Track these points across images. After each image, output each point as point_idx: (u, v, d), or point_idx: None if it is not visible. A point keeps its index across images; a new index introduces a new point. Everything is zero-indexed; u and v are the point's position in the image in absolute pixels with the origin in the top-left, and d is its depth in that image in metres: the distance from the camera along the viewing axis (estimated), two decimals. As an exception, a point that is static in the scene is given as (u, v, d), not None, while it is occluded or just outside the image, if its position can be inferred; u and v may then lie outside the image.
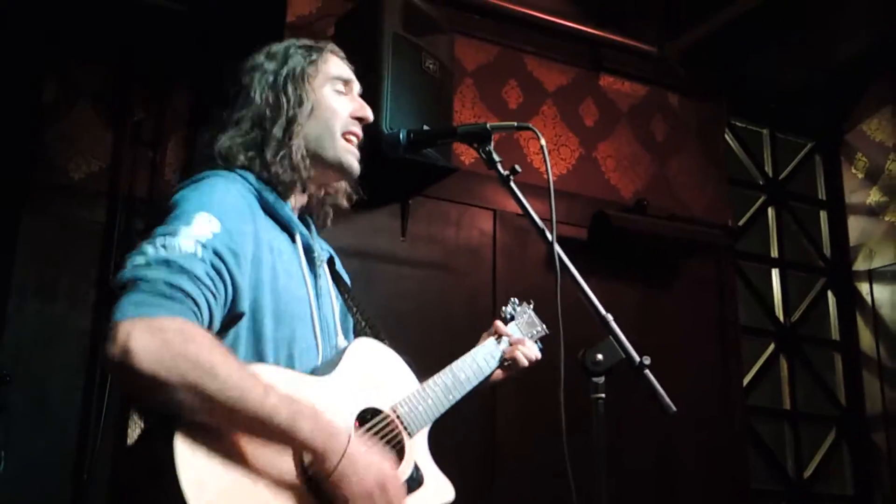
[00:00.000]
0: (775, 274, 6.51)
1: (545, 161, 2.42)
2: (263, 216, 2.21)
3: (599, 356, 2.17)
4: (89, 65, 4.81)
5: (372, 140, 2.64)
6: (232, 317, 2.04)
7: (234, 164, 2.25)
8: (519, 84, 5.40)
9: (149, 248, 1.91)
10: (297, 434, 1.89)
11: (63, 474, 4.23)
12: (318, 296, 2.30)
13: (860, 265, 6.47)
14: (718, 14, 5.48)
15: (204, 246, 1.95)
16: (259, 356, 2.08)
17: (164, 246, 1.91)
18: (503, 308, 2.88)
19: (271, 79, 2.35)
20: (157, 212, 2.13)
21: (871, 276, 6.37)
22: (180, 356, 1.77)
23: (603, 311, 2.24)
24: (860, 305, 6.43)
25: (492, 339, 2.73)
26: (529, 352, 2.73)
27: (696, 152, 5.93)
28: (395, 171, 4.40)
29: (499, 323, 2.79)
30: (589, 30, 5.61)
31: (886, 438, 6.07)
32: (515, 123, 2.52)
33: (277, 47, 2.43)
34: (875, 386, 6.23)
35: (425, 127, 2.59)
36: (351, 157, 2.41)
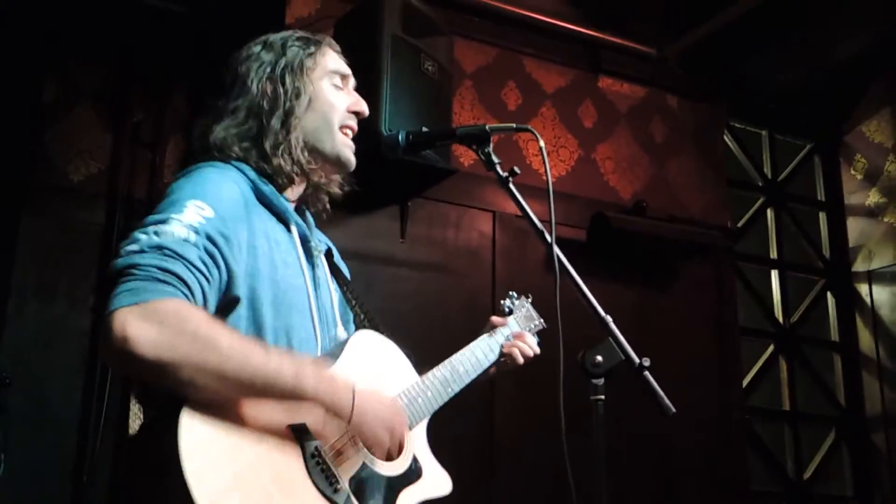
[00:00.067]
0: (774, 275, 6.52)
1: (544, 162, 2.42)
2: (259, 206, 2.21)
3: (599, 358, 2.17)
4: (89, 66, 4.81)
5: (371, 142, 2.65)
6: (227, 302, 2.05)
7: (229, 155, 2.24)
8: (518, 86, 5.41)
9: (141, 236, 1.91)
10: (304, 392, 1.94)
11: (63, 475, 4.23)
12: (315, 286, 2.30)
13: (859, 266, 6.47)
14: (717, 16, 5.48)
15: (196, 231, 1.95)
16: None
17: (156, 233, 1.92)
18: (502, 302, 2.90)
19: (269, 69, 2.34)
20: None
21: (871, 277, 6.37)
22: (178, 335, 1.79)
23: (602, 313, 2.24)
24: (859, 306, 6.43)
25: (490, 334, 2.74)
26: (527, 348, 2.75)
27: (695, 154, 5.93)
28: (395, 172, 4.40)
29: (497, 317, 2.82)
30: (588, 31, 5.61)
31: (886, 439, 6.08)
32: (514, 125, 2.53)
33: (274, 38, 2.43)
34: (874, 387, 6.23)
35: (424, 129, 2.59)
36: (348, 150, 2.42)
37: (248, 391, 1.89)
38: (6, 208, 4.50)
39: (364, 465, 2.12)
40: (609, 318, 2.23)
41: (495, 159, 2.40)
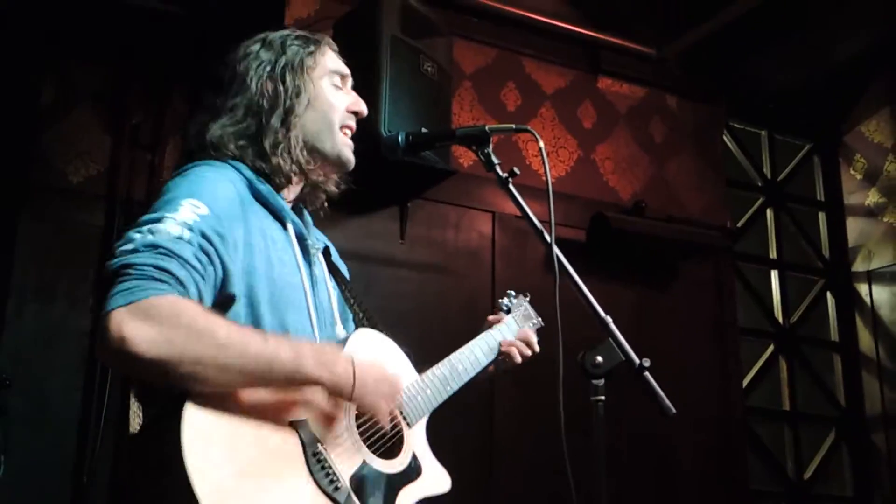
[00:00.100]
0: (774, 275, 6.52)
1: (544, 163, 2.42)
2: (255, 204, 2.21)
3: (599, 358, 2.17)
4: (88, 67, 4.81)
5: (370, 143, 2.65)
6: (223, 300, 2.04)
7: (225, 153, 2.23)
8: (517, 86, 5.41)
9: (135, 235, 1.91)
10: (305, 374, 1.95)
11: (63, 476, 4.23)
12: (313, 284, 2.30)
13: (859, 266, 6.47)
14: (716, 16, 5.48)
15: (191, 228, 1.95)
16: None
17: (150, 231, 1.91)
18: (500, 300, 2.91)
19: (269, 68, 2.33)
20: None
21: (870, 277, 6.37)
22: (174, 330, 1.79)
23: (602, 314, 2.24)
24: (859, 306, 6.43)
25: (489, 332, 2.75)
26: (525, 347, 2.77)
27: (695, 154, 5.94)
28: (394, 173, 4.41)
29: (494, 317, 2.83)
30: (587, 32, 5.61)
31: (886, 439, 6.08)
32: (514, 126, 2.53)
33: (273, 36, 2.42)
34: (874, 387, 6.23)
35: (424, 130, 2.59)
36: (348, 150, 2.42)
37: (250, 378, 1.89)
38: (5, 209, 4.50)
39: (364, 463, 2.13)
40: (609, 319, 2.24)
41: (495, 160, 2.40)
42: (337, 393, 2.03)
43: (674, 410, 2.15)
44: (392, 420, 2.26)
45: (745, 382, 5.91)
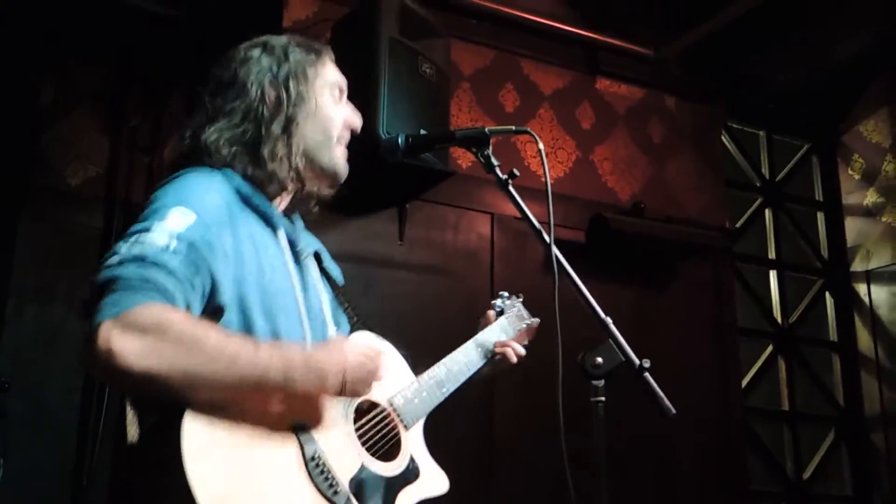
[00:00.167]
0: (773, 275, 6.52)
1: (543, 165, 2.42)
2: (244, 210, 2.18)
3: (599, 359, 2.17)
4: (87, 69, 4.82)
5: (370, 145, 2.65)
6: (213, 309, 2.01)
7: (218, 158, 2.20)
8: (515, 87, 5.41)
9: (122, 247, 1.89)
10: (293, 386, 1.91)
11: (62, 479, 4.23)
12: (304, 289, 2.28)
13: (858, 266, 6.47)
14: (714, 17, 5.48)
15: (178, 238, 1.92)
16: None
17: (137, 242, 1.89)
18: (493, 302, 2.91)
19: (270, 74, 2.30)
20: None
21: (869, 276, 6.37)
22: (163, 342, 1.76)
23: (602, 315, 2.25)
24: (858, 306, 6.44)
25: (482, 334, 2.76)
26: (520, 347, 2.78)
27: (693, 154, 5.94)
28: (393, 175, 4.41)
29: (490, 317, 2.83)
30: (585, 33, 5.61)
31: (885, 439, 6.08)
32: (513, 127, 2.54)
33: (275, 42, 2.38)
34: (873, 386, 6.24)
35: (423, 131, 2.59)
36: (343, 164, 2.40)
37: (240, 390, 1.87)
38: (5, 211, 4.50)
39: (363, 467, 2.13)
40: (609, 320, 2.24)
41: (495, 162, 2.41)
42: (325, 398, 2.02)
43: (674, 411, 2.15)
44: (389, 423, 2.27)
45: (744, 383, 5.91)
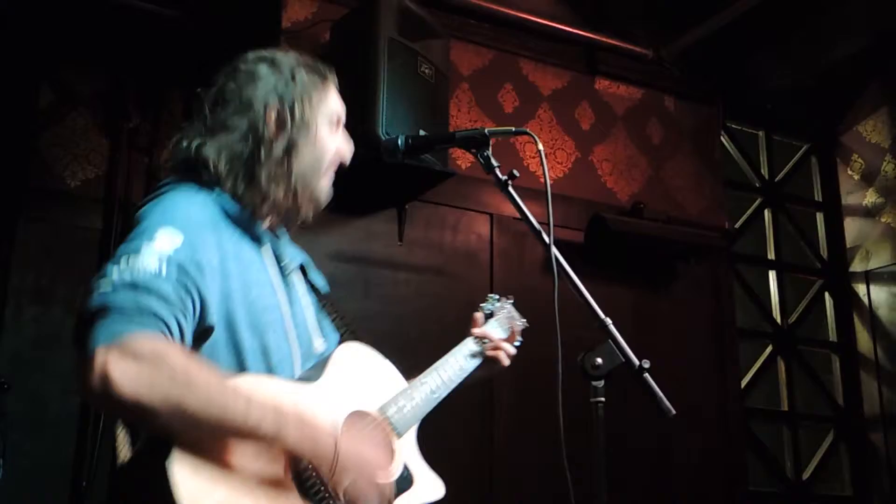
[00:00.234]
0: (772, 276, 6.52)
1: (542, 166, 2.41)
2: (229, 227, 2.16)
3: (599, 360, 2.17)
4: (86, 70, 4.82)
5: (369, 146, 2.65)
6: (203, 329, 2.01)
7: (214, 174, 2.18)
8: (514, 88, 5.41)
9: (113, 272, 1.87)
10: (285, 443, 1.90)
11: (61, 480, 4.23)
12: (291, 303, 2.28)
13: (857, 266, 6.47)
14: (713, 17, 5.48)
15: (168, 261, 1.92)
16: (240, 367, 2.07)
17: (128, 267, 1.88)
18: (481, 305, 2.89)
19: (277, 94, 2.26)
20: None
21: (868, 277, 6.37)
22: (158, 377, 1.76)
23: (602, 315, 2.25)
24: (857, 307, 6.44)
25: (472, 339, 2.74)
26: (510, 348, 2.77)
27: (692, 155, 5.94)
28: (392, 176, 4.41)
29: (478, 319, 2.81)
30: (584, 33, 5.61)
31: (884, 439, 6.08)
32: (513, 128, 2.53)
33: (283, 60, 2.34)
34: (873, 387, 6.24)
35: (422, 132, 2.59)
36: (329, 193, 2.36)
37: (228, 436, 1.87)
38: (4, 212, 4.50)
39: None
40: (609, 320, 2.24)
41: (494, 162, 2.40)
42: (315, 465, 1.97)
43: (673, 411, 2.15)
44: (381, 432, 2.26)
45: (743, 383, 5.91)
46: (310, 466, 1.98)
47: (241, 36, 4.80)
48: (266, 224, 2.29)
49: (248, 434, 1.86)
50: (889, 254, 6.26)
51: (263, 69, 2.30)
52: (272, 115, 2.24)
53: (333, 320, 2.48)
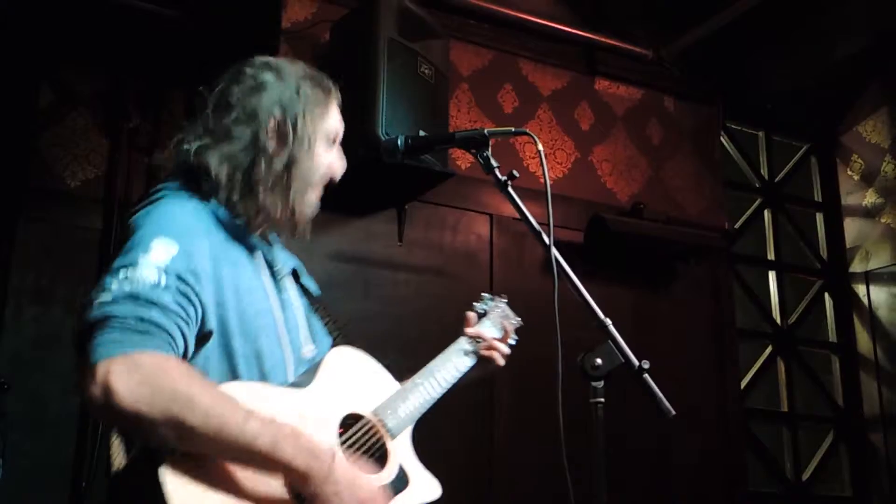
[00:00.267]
0: (772, 276, 6.52)
1: (542, 167, 2.41)
2: (221, 233, 2.17)
3: (598, 360, 2.18)
4: (86, 69, 4.82)
5: (369, 146, 2.65)
6: (202, 335, 2.03)
7: (212, 181, 2.18)
8: (514, 88, 5.41)
9: (112, 284, 1.89)
10: (280, 457, 1.90)
11: (61, 481, 4.23)
12: (283, 309, 2.28)
13: (857, 267, 6.47)
14: (713, 18, 5.48)
15: (166, 272, 1.93)
16: (233, 373, 2.08)
17: (127, 279, 1.89)
18: (474, 304, 2.90)
19: (282, 107, 2.27)
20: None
21: (868, 277, 6.37)
22: (159, 391, 1.78)
23: (602, 316, 2.25)
24: (857, 307, 6.44)
25: (464, 338, 2.73)
26: (505, 348, 2.77)
27: (692, 155, 5.94)
28: (392, 176, 4.41)
29: (471, 319, 2.81)
30: (583, 34, 5.61)
31: (884, 440, 6.08)
32: (513, 129, 2.53)
33: (287, 70, 2.34)
34: (872, 387, 6.24)
35: (422, 133, 2.59)
36: (315, 208, 2.37)
37: (223, 453, 1.88)
38: (4, 212, 4.50)
39: None
40: (608, 321, 2.24)
41: (494, 163, 2.41)
42: (305, 483, 1.94)
43: (673, 412, 2.15)
44: (375, 434, 2.26)
45: (743, 383, 5.91)
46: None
47: (242, 36, 4.80)
48: (258, 232, 2.29)
49: (244, 448, 1.86)
50: (889, 254, 6.26)
51: (269, 78, 2.30)
52: (275, 128, 2.25)
53: (326, 324, 2.49)
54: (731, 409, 5.56)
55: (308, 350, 2.32)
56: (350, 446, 2.18)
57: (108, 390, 1.75)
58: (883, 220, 6.34)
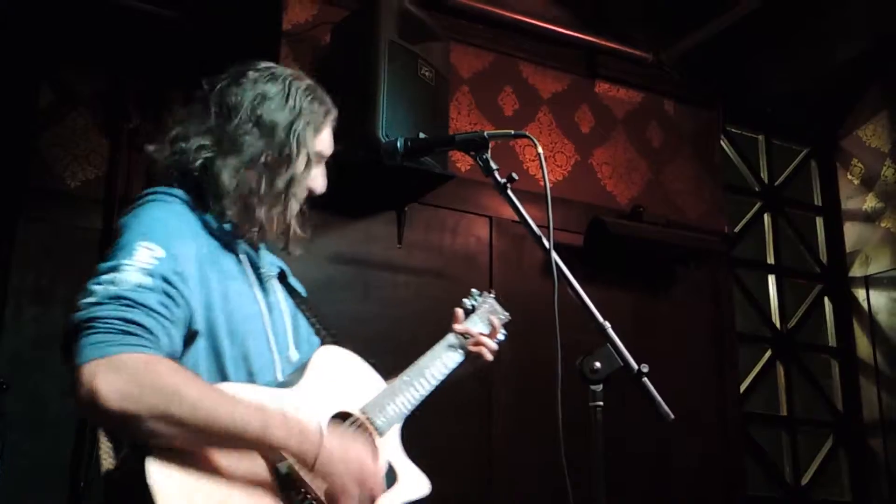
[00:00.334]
0: (772, 280, 6.52)
1: (542, 170, 2.41)
2: (206, 237, 2.19)
3: (597, 364, 2.17)
4: (86, 70, 4.82)
5: (369, 148, 2.65)
6: (189, 336, 2.04)
7: (219, 192, 2.19)
8: (514, 91, 5.41)
9: (96, 287, 1.91)
10: (271, 441, 1.93)
11: (60, 481, 4.23)
12: (270, 311, 2.30)
13: (856, 271, 6.47)
14: (714, 21, 5.48)
15: (151, 274, 1.94)
16: (221, 375, 2.09)
17: (111, 282, 1.91)
18: (463, 300, 2.90)
19: (288, 123, 2.27)
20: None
21: (868, 282, 6.37)
22: (146, 388, 1.79)
23: (601, 319, 2.24)
24: (857, 311, 6.44)
25: (453, 334, 2.75)
26: (493, 344, 2.78)
27: (692, 159, 5.94)
28: (392, 178, 4.41)
29: (458, 315, 2.82)
30: (584, 36, 5.61)
31: (884, 444, 6.08)
32: (512, 131, 2.53)
33: (292, 82, 2.34)
34: (872, 392, 6.24)
35: (422, 135, 2.59)
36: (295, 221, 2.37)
37: (215, 441, 1.90)
38: (4, 212, 4.50)
39: None
40: (607, 324, 2.23)
41: (493, 165, 2.40)
42: (301, 461, 2.00)
43: (672, 416, 2.15)
44: (363, 432, 2.27)
45: (742, 388, 5.91)
46: (294, 470, 2.00)
47: (242, 38, 4.80)
48: (247, 237, 2.31)
49: (235, 436, 1.89)
50: (889, 259, 6.26)
51: (273, 89, 2.31)
52: (280, 145, 2.26)
53: (313, 325, 2.49)
54: (730, 413, 5.56)
55: (293, 353, 2.34)
56: None
57: (93, 392, 1.76)
58: (883, 225, 6.34)
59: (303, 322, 2.47)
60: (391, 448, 2.35)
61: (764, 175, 6.70)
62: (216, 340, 2.09)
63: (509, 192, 2.39)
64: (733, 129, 6.59)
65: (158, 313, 1.91)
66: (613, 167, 5.61)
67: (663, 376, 2.32)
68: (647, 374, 2.17)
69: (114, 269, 1.94)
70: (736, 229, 6.36)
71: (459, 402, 4.39)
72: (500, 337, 2.85)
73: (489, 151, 2.42)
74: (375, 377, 2.44)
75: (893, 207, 6.29)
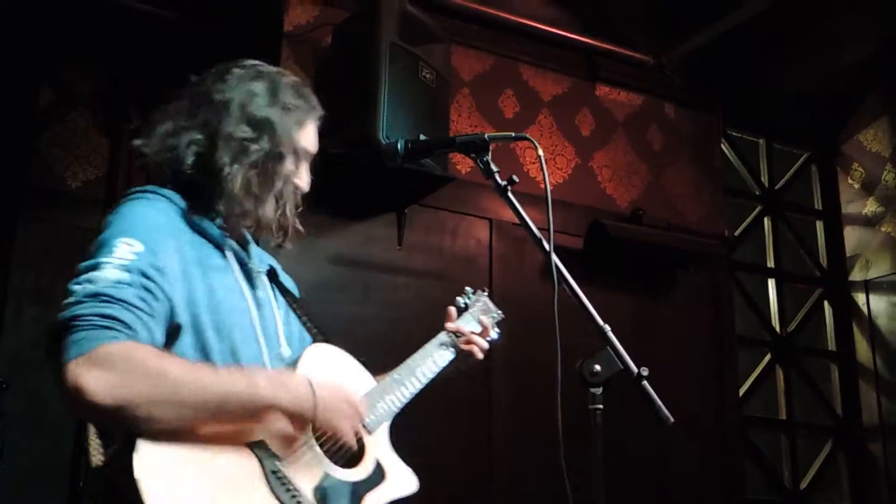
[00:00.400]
0: (771, 284, 6.52)
1: (543, 172, 2.42)
2: (190, 233, 2.18)
3: (597, 367, 2.17)
4: (86, 70, 4.82)
5: (370, 150, 2.64)
6: (172, 330, 2.04)
7: (224, 194, 2.20)
8: (515, 93, 5.41)
9: (76, 287, 1.93)
10: (263, 399, 1.96)
11: (60, 481, 4.23)
12: (258, 306, 2.29)
13: (856, 275, 6.47)
14: (714, 25, 5.49)
15: (129, 269, 1.95)
16: None
17: (89, 280, 1.93)
18: (456, 298, 2.90)
19: (281, 126, 2.29)
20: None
21: (868, 286, 6.37)
22: (130, 374, 1.81)
23: (601, 322, 2.24)
24: (856, 316, 6.43)
25: (445, 332, 2.75)
26: (484, 343, 2.78)
27: (693, 162, 5.94)
28: (392, 180, 4.41)
29: (451, 314, 2.81)
30: (585, 39, 5.61)
31: (883, 449, 6.07)
32: (513, 134, 2.53)
33: (277, 80, 2.36)
34: (871, 396, 6.23)
35: (423, 137, 2.58)
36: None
37: (207, 412, 1.91)
38: (4, 212, 4.50)
39: (326, 475, 2.14)
40: (607, 327, 2.23)
41: (494, 168, 2.40)
42: (298, 414, 2.03)
43: (671, 419, 2.14)
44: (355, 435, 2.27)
45: (742, 391, 5.91)
46: (282, 466, 2.01)
47: (243, 39, 4.80)
48: (234, 232, 2.32)
49: (225, 400, 1.91)
50: (889, 263, 6.26)
51: (260, 86, 2.33)
52: (271, 141, 2.27)
53: (305, 324, 2.49)
54: (729, 417, 5.56)
55: (284, 350, 2.34)
56: (325, 441, 2.19)
57: (80, 388, 1.78)
58: (883, 229, 6.34)
59: (295, 320, 2.47)
60: (380, 446, 2.36)
61: (764, 179, 6.70)
62: (202, 335, 2.09)
63: (510, 194, 2.39)
64: (734, 133, 6.59)
65: (137, 307, 1.92)
66: (614, 170, 5.61)
67: (663, 380, 2.32)
68: (646, 378, 2.17)
69: (93, 267, 1.96)
70: (736, 233, 6.36)
71: (459, 403, 4.38)
72: (493, 335, 2.86)
73: (490, 154, 2.42)
74: (366, 375, 2.45)
75: (894, 212, 6.29)
